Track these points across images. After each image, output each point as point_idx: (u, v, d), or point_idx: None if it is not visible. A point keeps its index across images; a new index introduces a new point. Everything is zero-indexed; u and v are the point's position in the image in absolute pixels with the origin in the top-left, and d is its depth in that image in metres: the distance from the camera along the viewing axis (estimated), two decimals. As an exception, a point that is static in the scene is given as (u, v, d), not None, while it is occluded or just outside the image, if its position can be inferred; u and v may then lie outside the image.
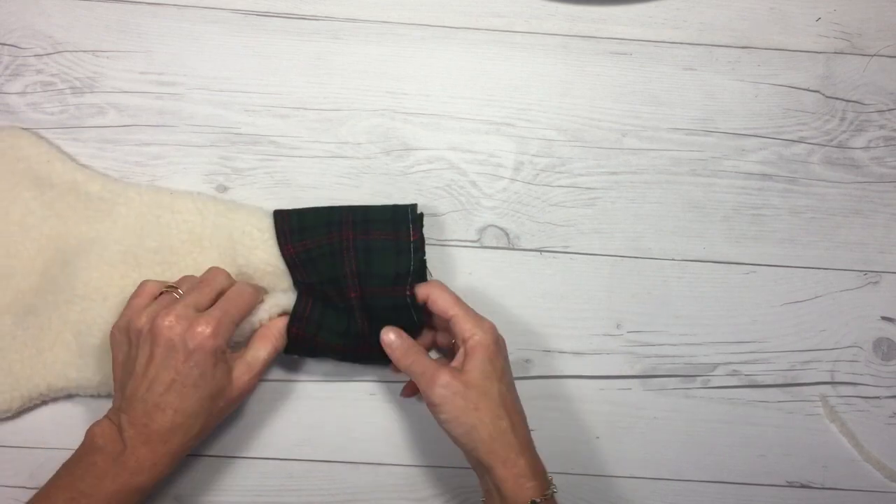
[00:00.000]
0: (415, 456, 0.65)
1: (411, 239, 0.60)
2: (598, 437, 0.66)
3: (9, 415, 0.62)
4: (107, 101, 0.65)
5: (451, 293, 0.59)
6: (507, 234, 0.66)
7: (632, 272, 0.66)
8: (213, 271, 0.59)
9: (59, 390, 0.62)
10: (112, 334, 0.57)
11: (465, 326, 0.57)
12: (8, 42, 0.64)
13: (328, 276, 0.60)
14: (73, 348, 0.61)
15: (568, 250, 0.66)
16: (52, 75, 0.65)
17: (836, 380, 0.66)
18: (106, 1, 0.65)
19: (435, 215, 0.66)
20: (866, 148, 0.67)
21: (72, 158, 0.64)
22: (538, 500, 0.53)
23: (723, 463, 0.66)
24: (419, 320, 0.60)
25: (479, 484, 0.57)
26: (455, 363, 0.57)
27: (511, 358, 0.65)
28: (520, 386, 0.65)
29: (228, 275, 0.60)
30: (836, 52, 0.67)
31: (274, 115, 0.65)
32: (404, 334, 0.59)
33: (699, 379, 0.66)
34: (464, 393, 0.55)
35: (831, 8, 0.67)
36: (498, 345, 0.57)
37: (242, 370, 0.57)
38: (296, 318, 0.60)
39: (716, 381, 0.66)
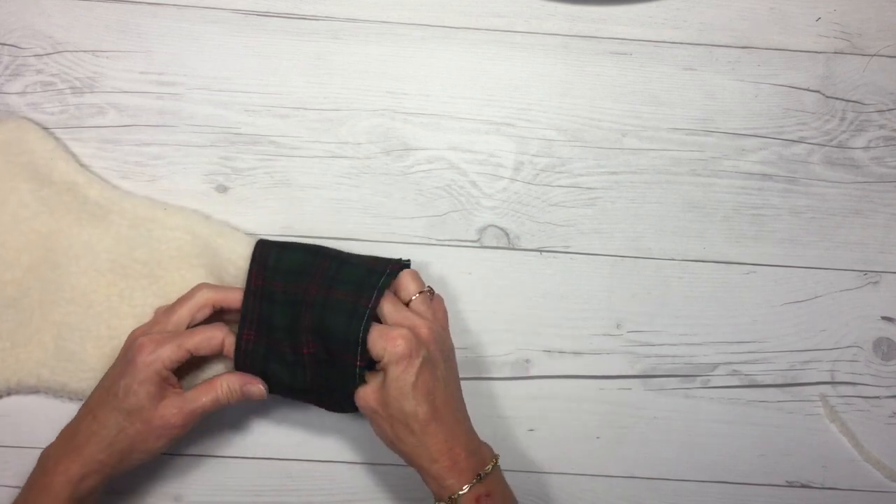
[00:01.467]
0: (415, 456, 0.65)
1: (368, 306, 0.57)
2: (598, 437, 0.66)
3: None
4: (107, 101, 0.65)
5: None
6: (507, 234, 0.66)
7: (632, 272, 0.66)
8: (195, 289, 0.59)
9: (29, 388, 0.62)
10: None
11: (376, 352, 0.56)
12: (8, 42, 0.64)
13: (283, 325, 0.58)
14: (49, 349, 0.61)
15: (568, 250, 0.66)
16: (52, 75, 0.65)
17: (836, 380, 0.66)
18: (106, 1, 0.65)
19: (435, 215, 0.66)
20: (866, 148, 0.67)
21: (76, 159, 0.64)
22: (454, 496, 0.55)
23: (723, 463, 0.66)
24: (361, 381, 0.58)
25: None
26: (377, 376, 0.57)
27: (511, 358, 0.65)
28: (520, 386, 0.65)
29: (213, 292, 0.59)
30: (836, 52, 0.67)
31: (274, 115, 0.65)
32: None
33: (699, 379, 0.66)
34: (377, 412, 0.56)
35: (831, 8, 0.67)
36: (410, 354, 0.55)
37: (173, 403, 0.56)
38: (239, 363, 0.59)
39: (716, 381, 0.66)
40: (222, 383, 0.57)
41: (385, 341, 0.55)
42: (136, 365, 0.55)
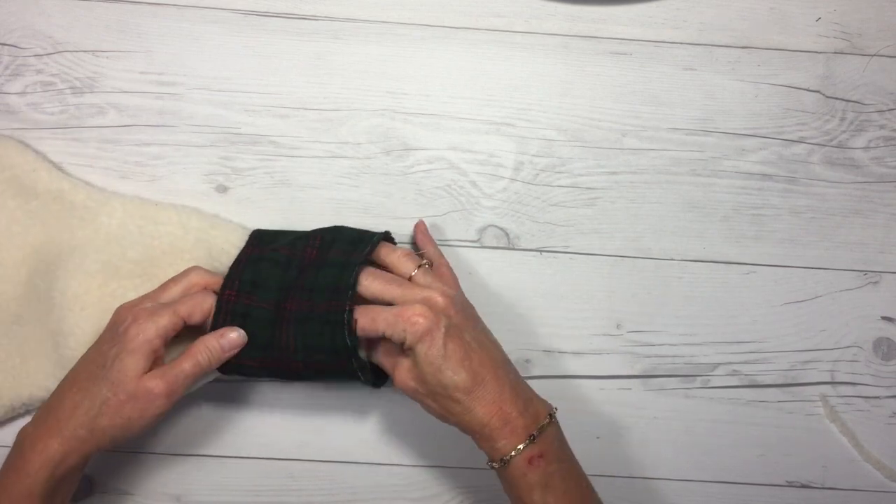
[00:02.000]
0: (415, 456, 0.65)
1: (362, 257, 0.57)
2: (598, 437, 0.66)
3: None
4: (107, 101, 0.65)
5: (369, 311, 0.55)
6: (507, 234, 0.66)
7: (632, 272, 0.66)
8: (188, 270, 0.59)
9: (39, 400, 0.61)
10: None
11: (397, 335, 0.54)
12: (8, 42, 0.64)
13: (267, 285, 0.58)
14: (52, 359, 0.61)
15: (568, 250, 0.66)
16: (52, 75, 0.65)
17: (836, 380, 0.66)
18: (106, 1, 0.65)
19: (435, 215, 0.66)
20: (866, 148, 0.67)
21: (58, 167, 0.64)
22: (505, 458, 0.54)
23: (723, 463, 0.66)
24: (352, 343, 0.55)
25: None
26: (409, 356, 0.56)
27: (511, 358, 0.65)
28: (520, 386, 0.65)
29: (206, 274, 0.59)
30: (836, 52, 0.67)
31: (274, 115, 0.65)
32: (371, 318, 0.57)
33: (699, 379, 0.66)
34: (418, 392, 0.55)
35: (831, 8, 0.67)
36: (431, 328, 0.54)
37: (155, 374, 0.54)
38: (217, 322, 0.57)
39: (716, 381, 0.66)
40: (199, 346, 0.55)
41: (403, 322, 0.54)
42: (128, 335, 0.54)
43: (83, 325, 0.60)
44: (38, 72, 0.64)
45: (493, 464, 0.55)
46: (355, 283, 0.56)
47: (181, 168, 0.65)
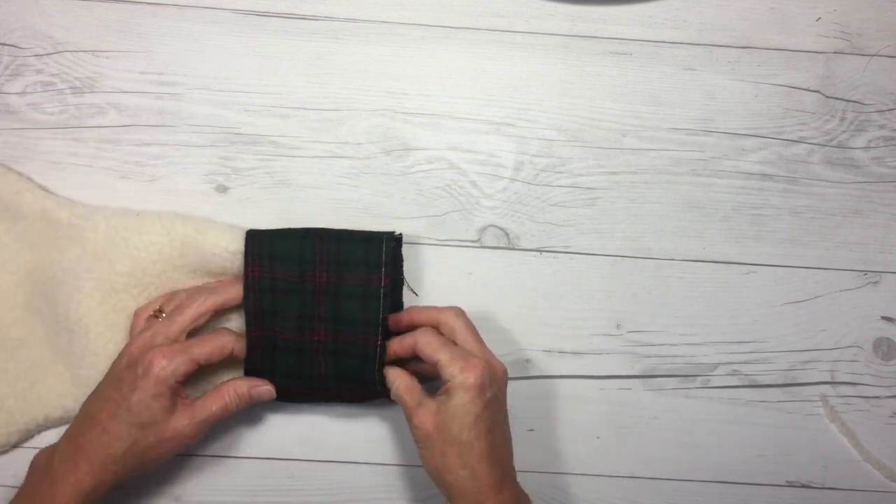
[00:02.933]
0: (414, 456, 0.65)
1: (382, 284, 0.59)
2: (598, 437, 0.66)
3: (6, 448, 0.62)
4: (107, 101, 0.65)
5: (437, 337, 0.57)
6: (507, 234, 0.66)
7: (632, 272, 0.66)
8: (195, 295, 0.59)
9: (58, 420, 0.62)
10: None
11: (449, 370, 0.55)
12: (8, 42, 0.64)
13: (292, 314, 0.59)
14: (66, 378, 0.61)
15: (568, 250, 0.66)
16: (52, 75, 0.65)
17: (836, 380, 0.66)
18: (106, 1, 0.65)
19: (435, 215, 0.66)
20: (866, 148, 0.67)
21: (41, 187, 0.63)
22: None
23: (723, 463, 0.66)
24: (379, 379, 0.59)
25: None
26: (435, 397, 0.57)
27: (511, 358, 0.65)
28: (520, 386, 0.65)
29: (215, 297, 0.59)
30: (836, 52, 0.67)
31: (274, 115, 0.65)
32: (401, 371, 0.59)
33: (699, 379, 0.66)
34: (431, 437, 0.56)
35: (831, 8, 0.67)
36: (483, 387, 0.55)
37: (184, 415, 0.56)
38: (248, 369, 0.60)
39: (716, 381, 0.66)
40: (230, 390, 0.58)
41: (462, 364, 0.55)
42: (149, 379, 0.55)
43: (92, 346, 0.60)
44: (38, 72, 0.64)
45: None
46: (384, 318, 0.59)
47: (181, 168, 0.65)
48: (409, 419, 0.57)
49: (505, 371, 0.58)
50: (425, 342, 0.57)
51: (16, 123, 0.64)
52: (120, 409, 0.55)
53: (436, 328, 0.59)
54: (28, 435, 0.62)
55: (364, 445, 0.65)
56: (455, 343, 0.58)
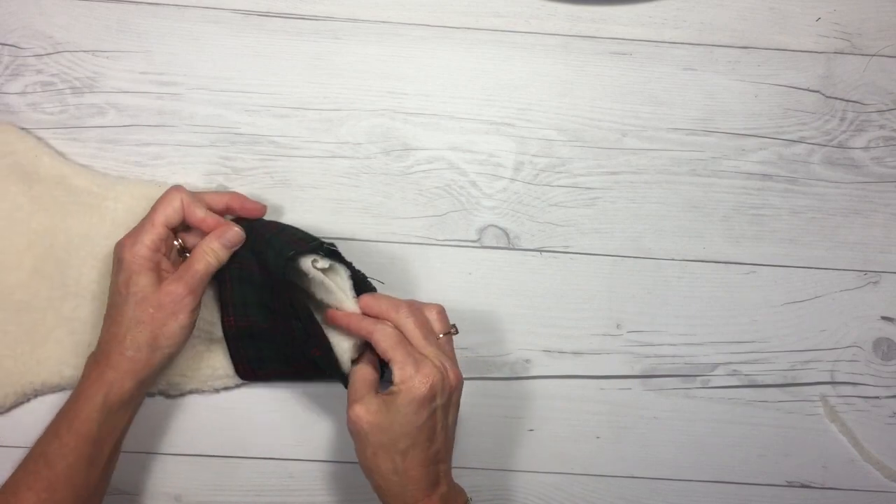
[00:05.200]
0: (415, 456, 0.65)
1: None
2: (598, 437, 0.66)
3: (2, 410, 0.62)
4: (107, 101, 0.65)
5: (393, 335, 0.55)
6: (507, 234, 0.66)
7: (632, 272, 0.66)
8: (168, 190, 0.60)
9: (54, 386, 0.62)
10: None
11: (399, 374, 0.54)
12: (8, 42, 0.64)
13: (254, 303, 0.60)
14: (66, 346, 0.61)
15: (568, 250, 0.66)
16: (52, 75, 0.65)
17: (836, 380, 0.66)
18: (106, 1, 0.65)
19: (435, 215, 0.66)
20: (866, 148, 0.67)
21: (59, 153, 0.64)
22: None
23: (723, 463, 0.66)
24: (345, 375, 0.58)
25: None
26: (380, 396, 0.55)
27: (511, 358, 0.65)
28: (520, 386, 0.65)
29: (182, 191, 0.59)
30: (836, 52, 0.67)
31: (274, 115, 0.65)
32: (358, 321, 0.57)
33: (699, 379, 0.66)
34: (365, 435, 0.54)
35: (831, 8, 0.67)
36: (430, 397, 0.54)
37: (171, 279, 0.57)
38: (237, 360, 0.62)
39: (716, 381, 0.66)
40: (202, 248, 0.58)
41: (412, 371, 0.54)
42: (124, 260, 0.57)
43: (98, 313, 0.61)
44: (38, 72, 0.64)
45: None
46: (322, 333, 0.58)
47: (181, 168, 0.65)
48: (350, 405, 0.55)
49: (459, 378, 0.56)
50: (380, 337, 0.55)
51: (16, 123, 0.64)
52: (118, 298, 0.57)
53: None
54: (24, 398, 0.62)
55: (364, 445, 0.65)
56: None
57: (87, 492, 0.56)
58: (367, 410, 0.54)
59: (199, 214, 0.59)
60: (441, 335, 0.57)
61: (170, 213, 0.58)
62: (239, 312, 0.61)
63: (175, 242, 0.60)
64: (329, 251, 0.58)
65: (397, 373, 0.54)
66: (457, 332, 0.58)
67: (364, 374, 0.57)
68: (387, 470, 0.54)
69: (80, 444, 0.55)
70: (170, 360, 0.58)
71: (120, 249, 0.58)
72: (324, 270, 0.57)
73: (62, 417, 0.56)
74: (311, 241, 0.59)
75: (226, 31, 0.65)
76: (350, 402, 0.55)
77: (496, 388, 0.66)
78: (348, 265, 0.59)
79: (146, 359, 0.56)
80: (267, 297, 0.60)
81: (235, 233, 0.59)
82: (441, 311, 0.58)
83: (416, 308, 0.57)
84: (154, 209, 0.58)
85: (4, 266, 0.62)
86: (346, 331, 0.58)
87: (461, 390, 0.57)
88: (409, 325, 0.56)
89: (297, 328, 0.58)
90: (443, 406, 0.55)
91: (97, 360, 0.57)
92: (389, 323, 0.56)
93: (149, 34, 0.65)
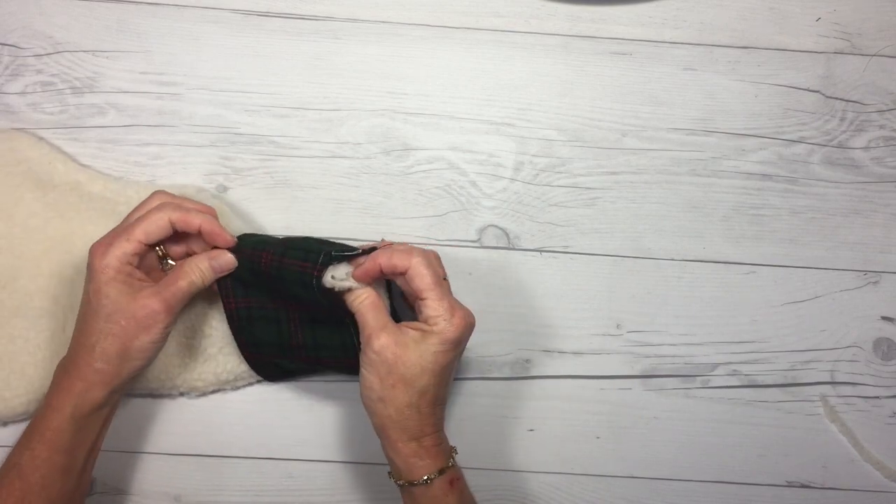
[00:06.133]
0: (415, 456, 0.65)
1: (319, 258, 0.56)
2: (598, 437, 0.66)
3: (25, 417, 0.62)
4: (107, 101, 0.65)
5: (432, 272, 0.54)
6: (507, 234, 0.66)
7: (632, 272, 0.66)
8: (152, 194, 0.59)
9: None
10: None
11: (434, 313, 0.54)
12: (8, 42, 0.64)
13: (259, 287, 0.59)
14: None
15: (568, 250, 0.66)
16: (52, 75, 0.65)
17: (836, 380, 0.66)
18: (106, 1, 0.65)
19: (435, 215, 0.66)
20: (866, 148, 0.67)
21: (72, 159, 0.64)
22: (430, 476, 0.54)
23: (723, 463, 0.66)
24: (355, 338, 0.57)
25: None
26: (406, 328, 0.54)
27: (511, 358, 0.65)
28: (520, 386, 0.65)
29: (165, 195, 0.59)
30: (836, 52, 0.67)
31: (274, 115, 0.65)
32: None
33: (699, 379, 0.66)
34: (388, 366, 0.53)
35: (831, 8, 0.67)
36: (460, 342, 0.54)
37: (149, 292, 0.55)
38: (242, 346, 0.61)
39: (716, 381, 0.66)
40: (191, 265, 0.57)
41: (449, 314, 0.54)
42: (94, 269, 0.55)
43: None
44: (38, 72, 0.64)
45: (403, 481, 0.55)
46: (357, 337, 0.56)
47: (181, 168, 0.65)
48: (369, 340, 0.54)
49: (474, 326, 0.56)
50: (418, 272, 0.54)
51: (16, 123, 0.64)
52: (88, 308, 0.56)
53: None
54: None
55: (363, 445, 0.65)
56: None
57: (62, 500, 0.55)
58: (395, 341, 0.54)
59: (195, 222, 0.57)
60: (445, 277, 0.57)
61: (152, 230, 0.56)
62: (239, 294, 0.59)
63: (157, 249, 0.58)
64: (337, 256, 0.56)
65: (431, 311, 0.54)
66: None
67: (375, 300, 0.55)
68: (402, 403, 0.54)
69: (53, 454, 0.54)
70: (140, 371, 0.57)
71: (91, 256, 0.56)
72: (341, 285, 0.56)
73: (33, 429, 0.55)
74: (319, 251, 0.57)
75: (225, 30, 0.65)
76: (374, 329, 0.54)
77: (496, 388, 0.66)
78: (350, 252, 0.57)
79: (115, 370, 0.55)
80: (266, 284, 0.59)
81: (228, 260, 0.57)
82: (438, 257, 0.57)
83: (426, 253, 0.56)
84: (136, 222, 0.56)
85: (23, 272, 0.62)
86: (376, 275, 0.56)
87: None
88: (429, 274, 0.54)
89: (302, 297, 0.57)
90: (460, 354, 0.56)
91: (66, 369, 0.56)
92: (423, 258, 0.55)
93: (148, 34, 0.65)
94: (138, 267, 0.57)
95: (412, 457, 0.55)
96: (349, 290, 0.55)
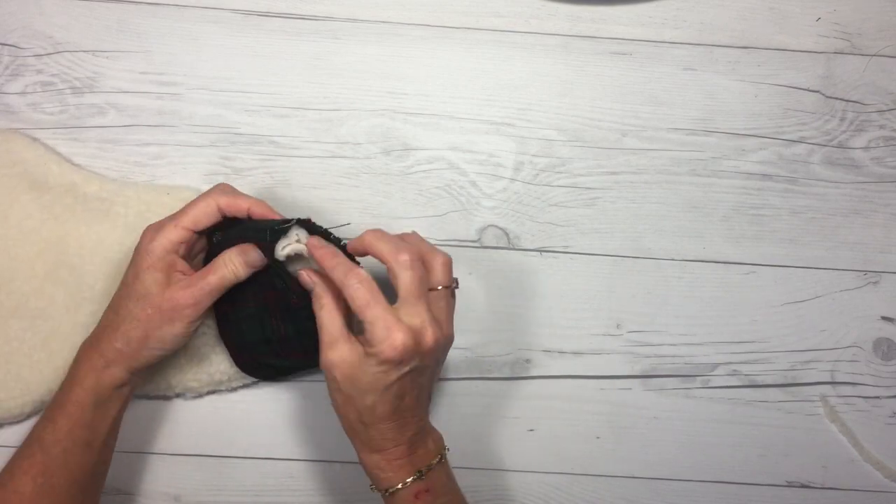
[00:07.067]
0: (415, 456, 0.65)
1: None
2: (598, 437, 0.66)
3: (21, 419, 0.62)
4: (107, 101, 0.65)
5: (368, 291, 0.52)
6: (507, 234, 0.66)
7: (632, 272, 0.66)
8: (214, 187, 0.59)
9: None
10: None
11: (371, 334, 0.51)
12: (8, 42, 0.64)
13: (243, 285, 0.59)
14: None
15: (568, 250, 0.66)
16: (52, 75, 0.65)
17: (837, 380, 0.66)
18: (106, 1, 0.65)
19: (435, 215, 0.66)
20: (866, 148, 0.67)
21: (67, 160, 0.64)
22: (391, 489, 0.54)
23: (723, 463, 0.66)
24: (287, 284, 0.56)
25: None
26: (358, 342, 0.53)
27: (510, 358, 0.65)
28: (520, 386, 0.65)
29: (226, 192, 0.58)
30: (836, 52, 0.67)
31: (274, 115, 0.65)
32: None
33: (699, 379, 0.66)
34: (338, 383, 0.53)
35: (831, 8, 0.67)
36: (399, 362, 0.51)
37: (181, 285, 0.56)
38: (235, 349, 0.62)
39: (716, 381, 0.66)
40: (224, 260, 0.56)
41: (384, 334, 0.51)
42: (138, 252, 0.56)
43: None
44: (38, 72, 0.64)
45: (379, 491, 0.56)
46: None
47: (181, 168, 0.65)
48: (322, 352, 0.53)
49: (443, 339, 0.54)
50: (354, 294, 0.52)
51: (16, 123, 0.64)
52: (125, 289, 0.56)
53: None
54: (43, 406, 0.62)
55: (364, 445, 0.65)
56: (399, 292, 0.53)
57: (83, 476, 0.56)
58: (340, 359, 0.52)
59: (243, 206, 0.57)
60: (439, 287, 0.55)
61: (199, 216, 0.56)
62: (225, 297, 0.58)
63: (214, 238, 0.58)
64: (306, 224, 0.56)
65: (369, 333, 0.52)
66: (458, 286, 0.56)
67: (332, 314, 0.54)
68: (354, 418, 0.54)
69: (74, 428, 0.55)
70: (160, 360, 0.57)
71: (141, 238, 0.57)
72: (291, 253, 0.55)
73: (56, 402, 0.56)
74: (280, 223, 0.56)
75: (225, 30, 0.65)
76: (323, 346, 0.53)
77: (496, 388, 0.66)
78: (325, 232, 0.57)
79: (133, 353, 0.56)
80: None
81: (257, 255, 0.57)
82: (446, 263, 0.55)
83: (416, 259, 0.54)
84: (185, 209, 0.57)
85: (18, 274, 0.62)
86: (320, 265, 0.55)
87: (447, 348, 0.56)
88: (405, 277, 0.53)
89: (279, 285, 0.57)
90: (414, 370, 0.52)
91: (91, 344, 0.57)
92: (363, 272, 0.53)
93: (148, 34, 0.65)
94: (188, 255, 0.58)
95: (374, 468, 0.55)
96: (300, 258, 0.56)
